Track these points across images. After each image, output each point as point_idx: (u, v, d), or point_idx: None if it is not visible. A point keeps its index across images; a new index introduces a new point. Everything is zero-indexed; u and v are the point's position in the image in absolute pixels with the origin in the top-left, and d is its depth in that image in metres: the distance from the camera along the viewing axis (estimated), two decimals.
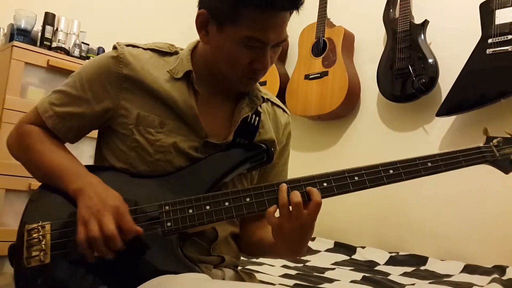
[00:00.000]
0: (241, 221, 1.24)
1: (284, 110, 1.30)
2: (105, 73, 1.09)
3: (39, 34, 2.63)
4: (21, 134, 1.12)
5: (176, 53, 1.16)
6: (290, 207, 0.96)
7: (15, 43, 2.39)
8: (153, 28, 3.36)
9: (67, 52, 2.66)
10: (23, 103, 2.33)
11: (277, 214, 0.99)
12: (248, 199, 1.00)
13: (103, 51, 2.89)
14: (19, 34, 2.51)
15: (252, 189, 1.01)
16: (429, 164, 1.06)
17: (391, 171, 1.03)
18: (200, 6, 1.07)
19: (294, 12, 1.04)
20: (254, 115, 1.16)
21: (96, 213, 0.92)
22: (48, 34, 2.62)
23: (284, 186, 0.99)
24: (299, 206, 0.95)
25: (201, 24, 1.07)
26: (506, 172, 1.12)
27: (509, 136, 1.14)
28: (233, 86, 1.13)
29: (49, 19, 2.64)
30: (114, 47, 1.11)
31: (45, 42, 2.60)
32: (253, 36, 1.00)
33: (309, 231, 1.00)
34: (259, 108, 1.18)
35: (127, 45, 1.12)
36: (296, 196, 0.96)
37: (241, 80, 1.09)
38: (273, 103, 1.27)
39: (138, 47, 1.13)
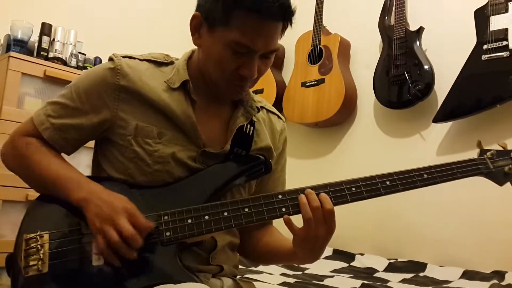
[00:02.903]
0: (244, 230, 1.23)
1: (279, 117, 1.30)
2: (103, 85, 1.08)
3: (36, 44, 2.64)
4: (17, 145, 1.11)
5: (172, 63, 1.17)
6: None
7: (12, 53, 2.40)
8: (150, 38, 3.37)
9: (64, 62, 2.66)
10: (20, 114, 2.33)
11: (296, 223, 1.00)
12: (246, 210, 1.00)
13: (100, 61, 2.89)
14: (15, 44, 2.52)
15: (251, 199, 1.02)
16: (425, 176, 1.07)
17: (388, 182, 1.05)
18: (196, 9, 1.08)
19: (283, 22, 1.04)
20: (249, 125, 1.17)
21: (108, 219, 0.93)
22: (44, 45, 2.63)
23: (304, 198, 1.00)
24: (332, 212, 0.98)
25: (195, 26, 1.08)
26: (500, 184, 1.14)
27: (502, 149, 1.16)
28: (222, 93, 1.13)
29: (45, 29, 2.64)
30: (111, 59, 1.11)
31: (41, 53, 2.61)
32: (241, 42, 1.00)
33: (330, 236, 1.02)
34: (253, 118, 1.18)
35: (124, 57, 1.12)
36: (327, 202, 0.98)
37: (228, 86, 1.09)
38: (268, 110, 1.28)
39: (134, 58, 1.13)
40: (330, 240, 1.04)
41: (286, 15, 1.02)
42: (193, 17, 1.08)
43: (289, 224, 1.00)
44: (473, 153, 1.18)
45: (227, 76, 1.06)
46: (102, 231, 0.92)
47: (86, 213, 0.96)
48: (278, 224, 1.13)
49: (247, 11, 0.98)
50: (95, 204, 0.95)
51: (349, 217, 2.82)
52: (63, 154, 1.14)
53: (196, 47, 1.16)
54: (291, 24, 1.06)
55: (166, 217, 0.99)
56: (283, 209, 1.01)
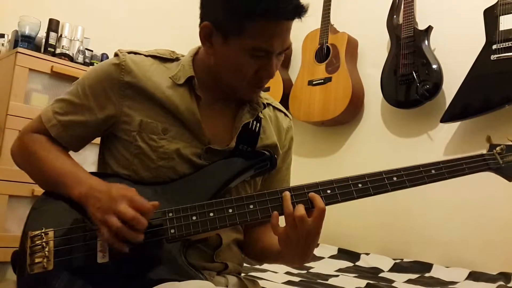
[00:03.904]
0: (245, 227, 1.23)
1: (285, 114, 1.30)
2: (107, 81, 1.09)
3: (43, 40, 2.64)
4: (24, 142, 1.12)
5: (177, 59, 1.16)
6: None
7: (19, 49, 2.40)
8: (157, 34, 3.37)
9: (71, 59, 2.66)
10: (27, 109, 2.33)
11: (281, 222, 0.98)
12: (251, 206, 0.99)
13: (107, 57, 2.89)
14: (23, 40, 2.52)
15: (256, 196, 1.01)
16: (433, 172, 1.05)
17: (394, 179, 1.03)
18: (204, 18, 1.07)
19: (296, 19, 1.04)
20: (255, 121, 1.16)
21: (109, 208, 0.93)
22: (52, 41, 2.63)
23: (288, 195, 0.99)
24: (302, 218, 0.95)
25: (205, 36, 1.07)
26: (510, 180, 1.11)
27: None
28: (238, 95, 1.13)
29: (53, 25, 2.65)
30: (116, 54, 1.12)
31: (49, 49, 2.61)
32: (259, 46, 1.01)
33: (315, 238, 0.99)
34: (259, 114, 1.18)
35: (129, 52, 1.12)
36: (299, 210, 0.96)
37: (246, 89, 1.10)
38: (274, 108, 1.27)
39: (139, 54, 1.13)
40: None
41: (300, 14, 1.02)
42: (203, 27, 1.06)
43: (273, 225, 0.99)
44: None
45: (246, 80, 1.06)
46: (104, 221, 0.92)
47: (87, 208, 0.96)
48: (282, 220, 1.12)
49: (262, 18, 0.98)
50: (95, 198, 0.96)
51: (354, 216, 2.82)
52: (70, 152, 1.14)
53: (199, 44, 1.16)
54: (301, 18, 1.05)
55: (170, 214, 0.99)
56: None
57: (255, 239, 1.22)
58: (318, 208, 0.96)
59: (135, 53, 1.13)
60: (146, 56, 1.14)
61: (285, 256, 1.07)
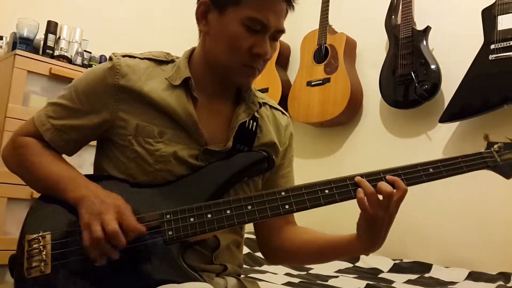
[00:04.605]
0: (261, 232, 1.23)
1: (283, 113, 1.29)
2: (102, 85, 1.08)
3: (42, 42, 2.64)
4: (17, 146, 1.11)
5: (172, 61, 1.16)
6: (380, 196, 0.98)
7: (18, 51, 2.40)
8: (156, 36, 3.37)
9: (69, 61, 2.66)
10: (26, 112, 2.33)
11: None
12: (249, 207, 0.99)
13: (105, 59, 2.89)
14: (21, 42, 2.53)
15: (254, 197, 1.01)
16: (431, 170, 1.05)
17: None
18: None
19: (290, 12, 1.08)
20: (251, 121, 1.16)
21: (97, 214, 0.92)
22: (50, 43, 2.63)
23: (360, 178, 1.00)
24: (392, 194, 0.97)
25: (202, 14, 1.09)
26: (507, 177, 1.11)
27: (509, 141, 1.13)
28: (233, 79, 1.12)
29: (51, 27, 2.65)
30: (110, 58, 1.11)
31: (47, 51, 2.61)
32: (255, 17, 1.02)
33: (392, 222, 1.02)
34: (255, 113, 1.17)
35: (123, 56, 1.11)
36: (387, 186, 0.98)
37: (241, 70, 1.08)
38: (271, 107, 1.27)
39: (134, 57, 1.12)
40: None
41: None
42: (200, 4, 1.08)
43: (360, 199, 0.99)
44: None
45: (241, 57, 1.06)
46: (88, 225, 0.91)
47: (80, 209, 0.96)
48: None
49: None
50: (89, 201, 0.95)
51: (353, 217, 2.81)
52: (65, 156, 1.14)
53: (196, 45, 1.16)
54: (293, 8, 1.08)
55: (168, 216, 0.98)
56: (286, 206, 1.00)
57: (288, 238, 1.20)
58: (401, 189, 0.99)
59: (130, 56, 1.12)
60: (141, 59, 1.13)
61: (353, 245, 1.08)
